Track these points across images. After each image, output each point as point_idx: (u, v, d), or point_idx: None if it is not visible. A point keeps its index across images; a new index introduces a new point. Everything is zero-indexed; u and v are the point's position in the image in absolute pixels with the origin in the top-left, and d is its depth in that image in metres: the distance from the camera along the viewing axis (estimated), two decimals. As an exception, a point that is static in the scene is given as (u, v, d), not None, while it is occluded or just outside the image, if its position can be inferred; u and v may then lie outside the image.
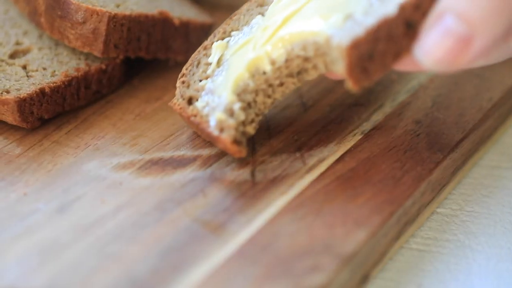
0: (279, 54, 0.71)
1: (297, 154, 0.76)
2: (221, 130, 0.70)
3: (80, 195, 0.72)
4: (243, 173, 0.74)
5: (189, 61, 0.78)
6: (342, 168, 0.73)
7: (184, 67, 0.77)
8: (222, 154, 0.76)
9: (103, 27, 0.81)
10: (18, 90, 0.80)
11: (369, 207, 0.68)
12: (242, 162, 0.75)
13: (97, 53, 0.83)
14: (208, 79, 0.75)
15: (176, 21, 0.87)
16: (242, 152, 0.71)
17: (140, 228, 0.68)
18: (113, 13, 0.82)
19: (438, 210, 0.76)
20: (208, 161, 0.75)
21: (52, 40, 0.86)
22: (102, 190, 0.72)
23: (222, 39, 0.78)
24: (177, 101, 0.74)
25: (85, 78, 0.83)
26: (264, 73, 0.72)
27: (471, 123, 0.78)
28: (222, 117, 0.70)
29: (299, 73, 0.72)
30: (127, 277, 0.64)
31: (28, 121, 0.80)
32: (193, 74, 0.76)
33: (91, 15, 0.81)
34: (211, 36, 0.79)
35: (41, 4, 0.84)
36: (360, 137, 0.77)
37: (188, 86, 0.75)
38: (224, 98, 0.72)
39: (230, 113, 0.71)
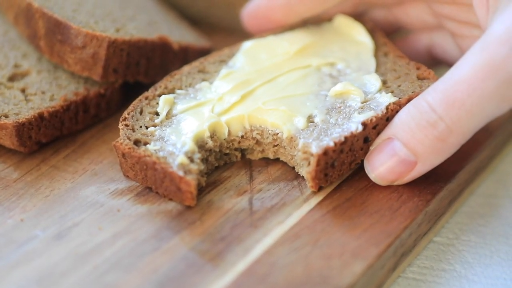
0: (237, 129, 0.78)
1: (295, 182, 0.76)
2: (185, 172, 0.72)
3: (77, 222, 0.72)
4: (241, 201, 0.74)
5: (131, 107, 0.80)
6: (339, 198, 0.73)
7: (126, 112, 0.79)
8: (219, 181, 0.77)
9: (102, 52, 0.82)
10: (16, 114, 0.80)
11: (366, 238, 0.68)
12: (240, 190, 0.75)
13: (96, 78, 0.83)
14: (157, 127, 0.77)
15: (175, 46, 0.87)
16: (195, 201, 0.72)
17: (138, 257, 0.68)
18: (113, 38, 0.82)
19: (435, 239, 0.76)
20: (205, 188, 0.76)
21: (51, 63, 0.86)
22: (100, 217, 0.72)
23: (165, 93, 0.81)
24: (124, 142, 0.76)
25: (84, 102, 0.83)
26: (219, 138, 0.77)
27: (468, 153, 0.78)
28: (185, 161, 0.72)
29: (244, 150, 0.79)
30: (124, 306, 0.64)
31: (26, 146, 0.80)
32: (136, 120, 0.78)
33: (91, 40, 0.81)
34: (152, 89, 0.82)
35: (41, 28, 0.84)
36: (357, 165, 0.77)
37: (133, 130, 0.77)
38: (185, 145, 0.74)
39: (191, 160, 0.73)
